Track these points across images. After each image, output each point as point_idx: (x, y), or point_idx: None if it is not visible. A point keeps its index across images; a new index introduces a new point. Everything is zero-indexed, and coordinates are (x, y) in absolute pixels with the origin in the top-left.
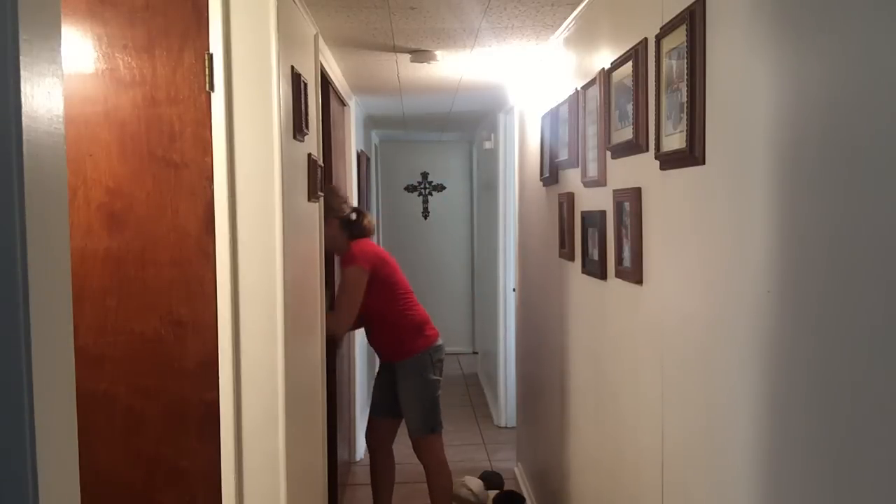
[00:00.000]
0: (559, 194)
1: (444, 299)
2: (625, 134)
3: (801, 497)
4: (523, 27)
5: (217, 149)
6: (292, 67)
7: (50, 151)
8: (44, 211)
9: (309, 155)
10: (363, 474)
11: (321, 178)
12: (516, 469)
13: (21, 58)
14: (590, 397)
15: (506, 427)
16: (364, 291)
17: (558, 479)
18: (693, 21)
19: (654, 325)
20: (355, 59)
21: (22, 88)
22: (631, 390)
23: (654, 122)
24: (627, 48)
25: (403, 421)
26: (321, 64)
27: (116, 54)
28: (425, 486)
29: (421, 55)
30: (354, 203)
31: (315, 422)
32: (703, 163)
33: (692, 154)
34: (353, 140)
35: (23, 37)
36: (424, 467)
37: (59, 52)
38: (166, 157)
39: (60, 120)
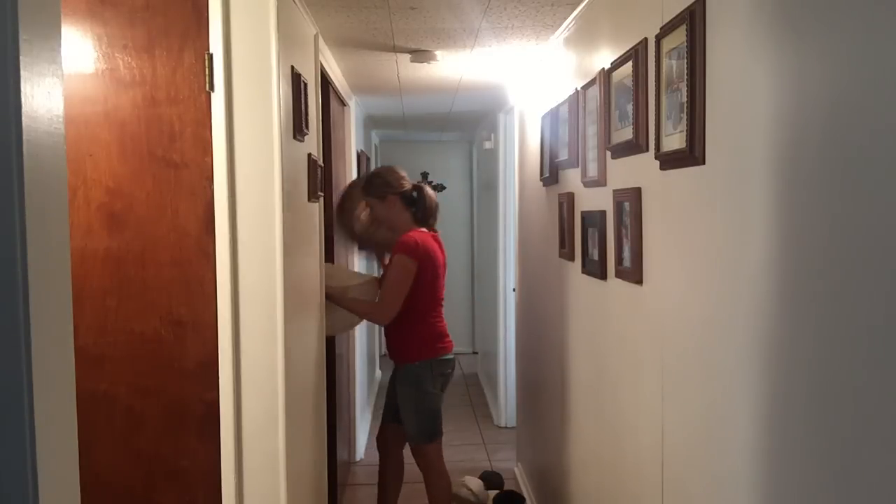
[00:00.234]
0: (559, 194)
1: (445, 299)
2: (625, 134)
3: (800, 495)
4: (523, 27)
5: (217, 149)
6: (292, 67)
7: (50, 151)
8: (44, 211)
9: (309, 155)
10: (363, 474)
11: (321, 179)
12: (516, 469)
13: (21, 58)
14: (590, 397)
15: (506, 427)
16: (410, 284)
17: (558, 479)
18: (693, 21)
19: (653, 325)
20: (355, 59)
21: (22, 88)
22: (631, 390)
23: (654, 122)
24: (627, 48)
25: None
26: (321, 64)
27: (116, 54)
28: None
29: (421, 55)
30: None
31: (315, 422)
32: (703, 163)
33: (692, 154)
34: (353, 140)
35: (23, 37)
36: (422, 473)
37: (59, 52)
38: (166, 158)
39: (60, 120)
